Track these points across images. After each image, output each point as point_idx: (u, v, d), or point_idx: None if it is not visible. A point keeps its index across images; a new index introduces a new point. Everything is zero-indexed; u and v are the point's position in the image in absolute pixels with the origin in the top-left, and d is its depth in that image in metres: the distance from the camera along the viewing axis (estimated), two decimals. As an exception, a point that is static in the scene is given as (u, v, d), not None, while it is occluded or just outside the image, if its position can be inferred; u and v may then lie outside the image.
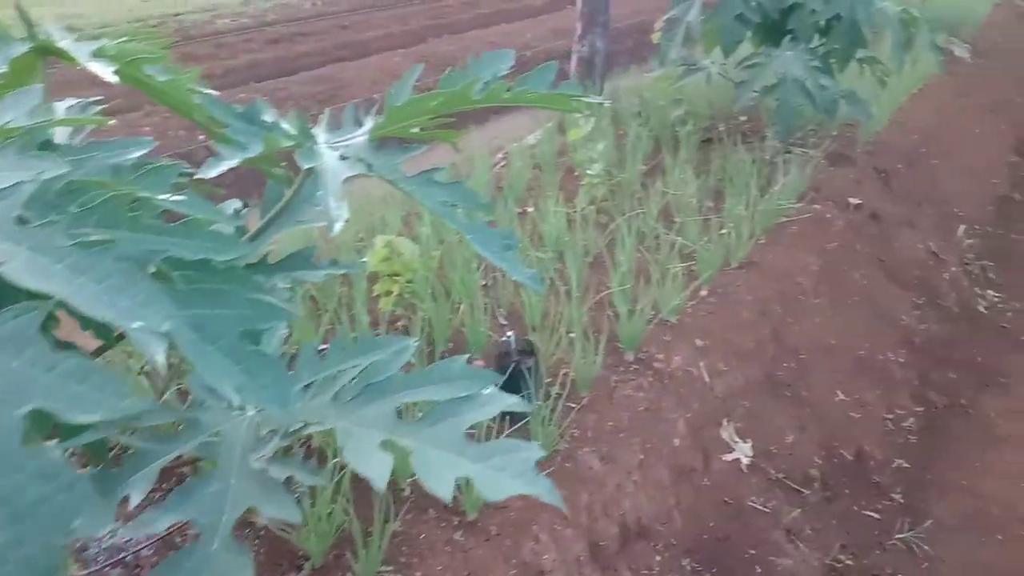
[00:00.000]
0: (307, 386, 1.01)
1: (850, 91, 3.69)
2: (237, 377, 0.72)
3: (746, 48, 4.09)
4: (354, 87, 7.46)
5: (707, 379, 2.52)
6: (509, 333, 2.23)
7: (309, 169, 0.99)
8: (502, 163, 4.13)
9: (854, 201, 3.73)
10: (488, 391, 0.92)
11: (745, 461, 2.43)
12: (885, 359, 3.13)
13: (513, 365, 2.00)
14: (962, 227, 4.30)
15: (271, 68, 8.60)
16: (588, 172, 3.24)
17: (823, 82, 3.45)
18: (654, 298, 2.67)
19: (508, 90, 1.31)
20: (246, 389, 0.72)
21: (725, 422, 2.50)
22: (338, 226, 0.90)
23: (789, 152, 4.03)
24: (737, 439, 2.47)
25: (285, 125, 1.06)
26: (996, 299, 3.99)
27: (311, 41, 9.36)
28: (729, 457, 2.42)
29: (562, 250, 3.02)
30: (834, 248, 3.42)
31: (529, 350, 2.20)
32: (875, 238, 3.72)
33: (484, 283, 2.75)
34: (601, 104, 4.59)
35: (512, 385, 1.96)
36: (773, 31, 3.70)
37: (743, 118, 4.47)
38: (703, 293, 2.88)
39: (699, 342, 2.61)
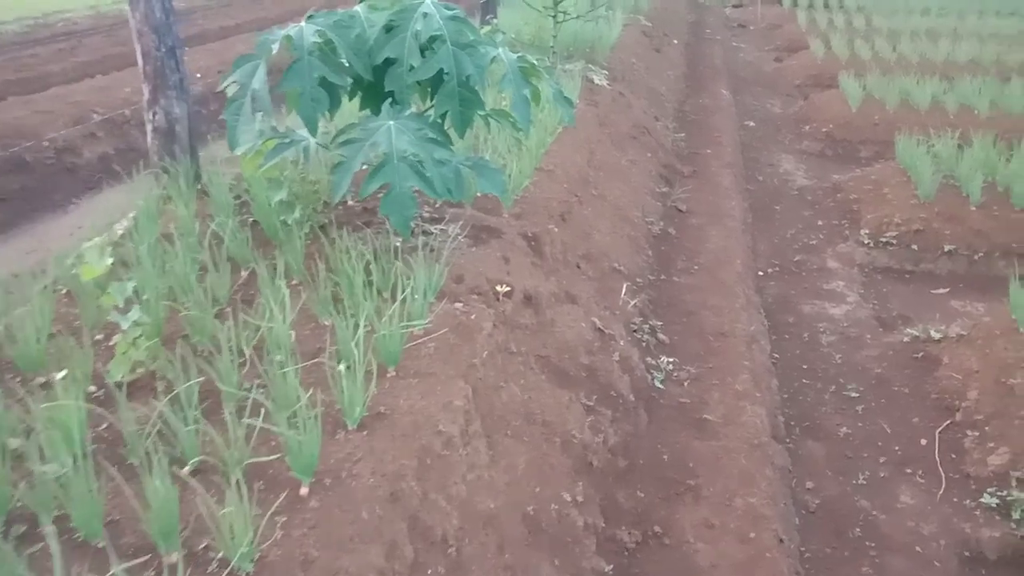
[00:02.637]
0: None
1: (479, 160, 3.03)
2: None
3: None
4: None
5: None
6: None
7: None
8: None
9: (503, 289, 3.08)
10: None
11: None
12: (561, 505, 2.47)
13: None
14: (625, 285, 3.89)
15: None
16: (123, 328, 2.20)
17: (439, 155, 2.74)
18: (215, 538, 1.73)
19: None
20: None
21: None
22: None
23: (425, 233, 3.31)
24: None
25: None
26: (670, 365, 3.59)
27: None
28: None
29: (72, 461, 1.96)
30: (486, 360, 2.72)
31: None
32: (532, 330, 3.10)
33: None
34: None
35: None
36: (372, 94, 2.93)
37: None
38: (303, 492, 1.99)
39: (289, 599, 1.71)
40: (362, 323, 2.50)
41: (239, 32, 10.80)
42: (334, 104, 3.02)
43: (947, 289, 5.01)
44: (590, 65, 6.76)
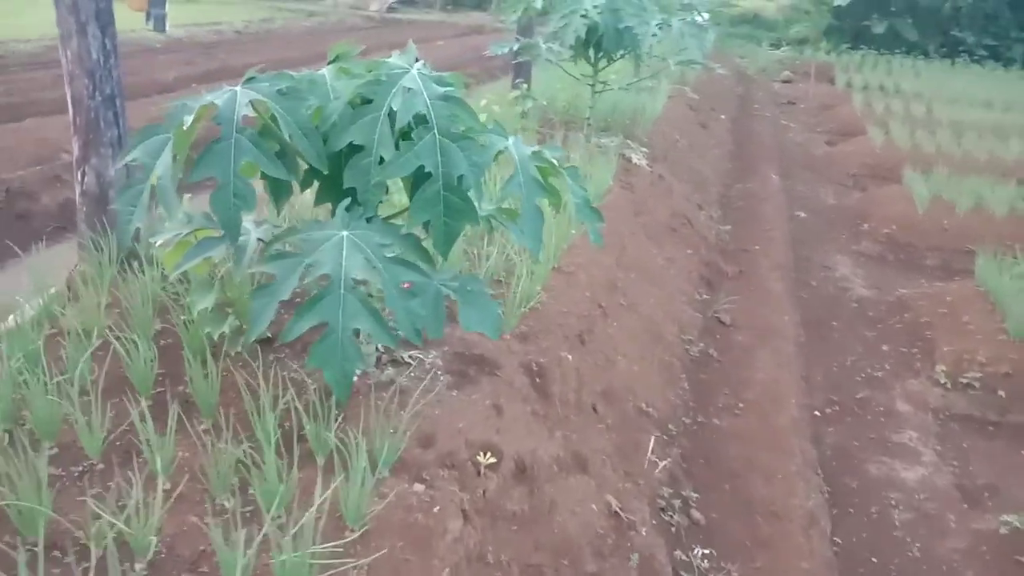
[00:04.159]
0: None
1: (467, 281, 2.23)
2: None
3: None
4: None
5: None
6: None
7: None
8: None
9: (487, 459, 2.26)
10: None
11: None
12: None
13: None
14: (653, 438, 3.04)
15: None
16: None
17: (408, 282, 1.95)
18: None
19: None
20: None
21: None
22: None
23: (395, 364, 2.51)
24: None
25: None
26: (705, 562, 2.72)
27: None
28: None
29: None
30: (446, 585, 1.88)
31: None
32: (523, 521, 2.26)
33: None
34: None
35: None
36: (334, 184, 2.16)
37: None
38: None
39: None
40: (262, 530, 1.70)
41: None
42: (282, 193, 2.26)
43: (1041, 451, 4.10)
44: (628, 141, 6.02)
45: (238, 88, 1.97)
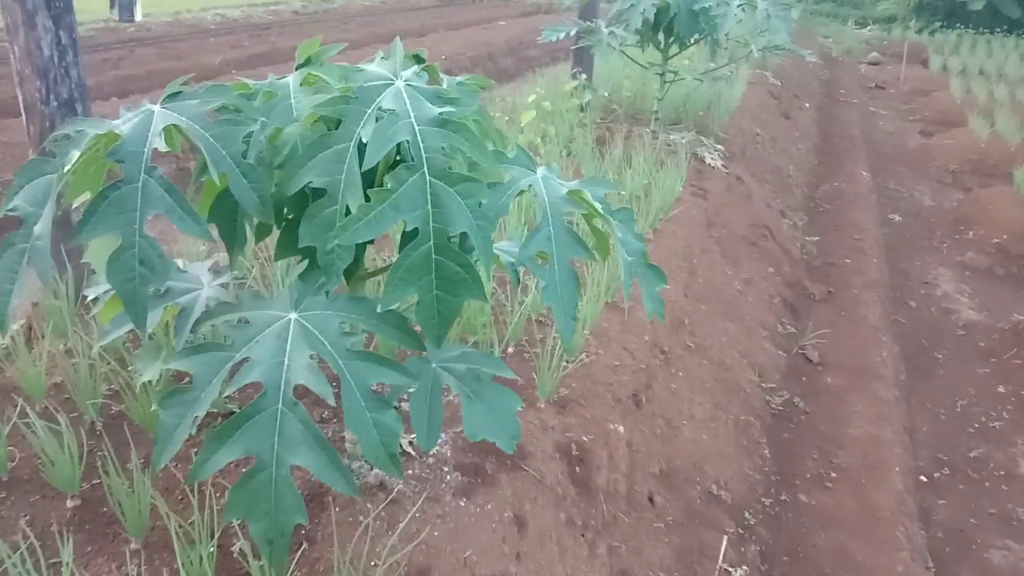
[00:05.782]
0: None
1: (479, 362, 1.63)
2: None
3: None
4: None
5: None
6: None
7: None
8: None
9: (500, 606, 1.67)
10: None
11: None
12: None
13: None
14: (724, 542, 2.40)
15: None
16: None
17: (379, 379, 1.38)
18: None
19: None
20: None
21: None
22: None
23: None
24: None
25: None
26: None
27: None
28: None
29: None
30: None
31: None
32: None
33: None
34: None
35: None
36: (294, 238, 1.59)
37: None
38: None
39: None
40: None
41: (313, 54, 9.79)
42: (235, 243, 1.70)
43: None
44: (701, 136, 5.32)
45: (155, 108, 1.41)
